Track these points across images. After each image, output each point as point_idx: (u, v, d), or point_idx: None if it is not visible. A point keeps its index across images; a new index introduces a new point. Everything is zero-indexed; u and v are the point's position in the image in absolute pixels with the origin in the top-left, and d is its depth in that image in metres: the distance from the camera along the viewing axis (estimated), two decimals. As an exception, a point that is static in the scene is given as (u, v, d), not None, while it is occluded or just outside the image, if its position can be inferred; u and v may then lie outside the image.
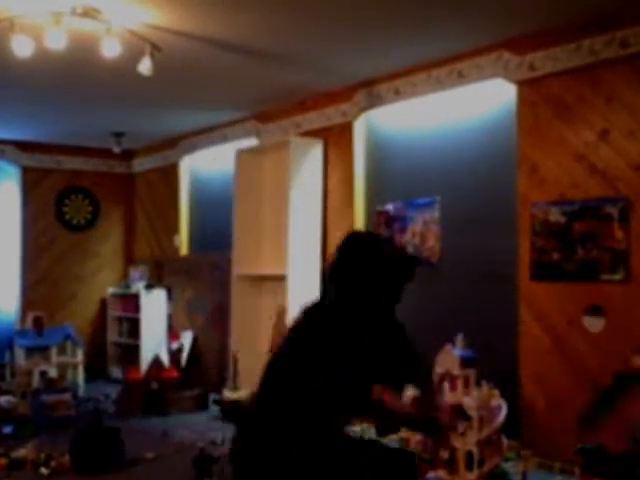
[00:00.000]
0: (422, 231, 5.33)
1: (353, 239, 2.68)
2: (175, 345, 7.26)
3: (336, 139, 6.01)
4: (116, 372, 7.99)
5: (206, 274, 7.39)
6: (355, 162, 5.79)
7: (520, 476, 4.04)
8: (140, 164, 8.75)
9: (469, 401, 4.10)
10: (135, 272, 8.25)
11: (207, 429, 5.64)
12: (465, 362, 4.22)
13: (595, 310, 4.17)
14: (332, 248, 5.98)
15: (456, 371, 4.20)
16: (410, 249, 5.41)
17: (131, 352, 7.76)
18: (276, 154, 6.32)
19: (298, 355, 2.52)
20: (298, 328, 2.62)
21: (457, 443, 4.11)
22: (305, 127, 6.23)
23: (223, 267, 6.87)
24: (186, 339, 7.38)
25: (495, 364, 4.50)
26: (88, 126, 7.35)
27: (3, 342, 7.03)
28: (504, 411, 4.15)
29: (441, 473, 4.21)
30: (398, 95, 5.41)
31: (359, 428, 4.48)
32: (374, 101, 5.59)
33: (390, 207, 5.57)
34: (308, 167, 6.01)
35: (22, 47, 4.17)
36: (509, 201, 4.65)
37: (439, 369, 4.29)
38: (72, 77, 5.49)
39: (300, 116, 6.28)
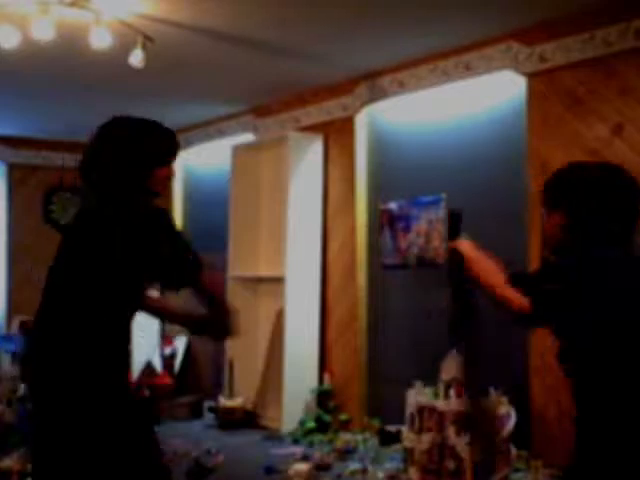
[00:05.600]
0: (427, 230, 5.30)
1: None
2: (168, 350, 7.25)
3: (337, 134, 6.00)
4: (106, 379, 7.97)
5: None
6: (357, 158, 5.79)
7: (530, 488, 4.05)
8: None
9: (476, 409, 4.09)
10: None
11: (202, 438, 5.64)
12: (472, 368, 4.22)
13: (609, 313, 4.16)
14: (332, 248, 6.00)
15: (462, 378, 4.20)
16: (414, 250, 5.40)
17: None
18: (274, 150, 6.31)
19: None
20: None
21: (464, 453, 4.11)
22: (304, 122, 6.23)
23: (218, 268, 6.86)
24: (180, 344, 7.37)
25: (504, 370, 4.50)
26: (77, 120, 7.33)
27: (-12, 347, 7.03)
28: (513, 420, 4.15)
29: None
30: (402, 88, 5.41)
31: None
32: (377, 94, 5.59)
33: (393, 205, 5.53)
34: (307, 164, 6.00)
35: (7, 38, 4.17)
36: (519, 199, 4.64)
37: (445, 375, 4.29)
38: (60, 69, 5.48)
39: (299, 110, 6.27)
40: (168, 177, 2.74)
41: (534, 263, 4.52)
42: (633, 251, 2.17)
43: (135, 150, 2.60)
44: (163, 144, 2.67)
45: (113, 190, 2.56)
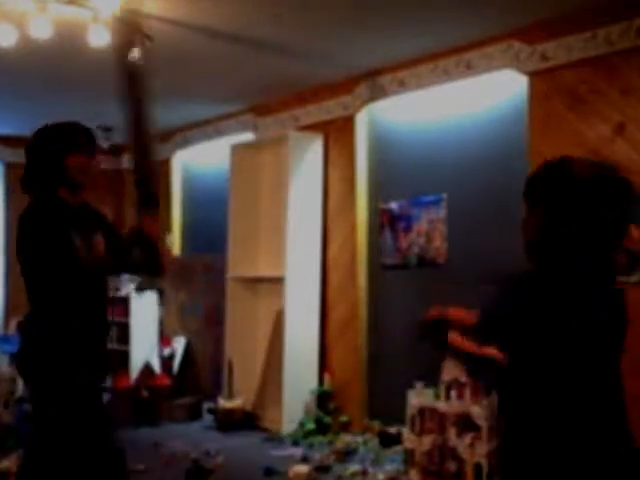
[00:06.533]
0: (428, 230, 5.32)
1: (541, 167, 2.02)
2: (167, 351, 7.25)
3: (337, 134, 5.99)
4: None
5: (200, 276, 7.38)
6: (357, 158, 5.78)
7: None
8: (130, 160, 8.72)
9: (478, 410, 4.10)
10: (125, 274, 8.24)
11: (201, 439, 5.64)
12: (473, 369, 4.22)
13: (611, 314, 4.16)
14: (332, 248, 6.00)
15: (464, 379, 4.20)
16: (415, 250, 5.40)
17: (120, 358, 7.74)
18: (274, 149, 6.31)
19: None
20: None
21: (465, 454, 4.11)
22: (304, 121, 6.22)
23: (218, 268, 6.86)
24: (178, 345, 7.37)
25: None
26: (75, 119, 7.33)
27: (-15, 348, 7.02)
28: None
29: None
30: (403, 87, 5.40)
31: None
32: (377, 93, 5.58)
33: (394, 205, 5.56)
34: (307, 163, 5.99)
35: (5, 36, 4.18)
36: (520, 199, 4.63)
37: (446, 376, 4.29)
38: (58, 67, 5.48)
39: (299, 109, 6.27)
40: (83, 167, 2.99)
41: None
42: (608, 269, 1.92)
43: (40, 144, 3.08)
44: (66, 134, 3.08)
45: (32, 189, 3.05)
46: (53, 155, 2.96)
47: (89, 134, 3.07)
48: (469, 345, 2.00)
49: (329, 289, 6.01)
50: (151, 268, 3.09)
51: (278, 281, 5.97)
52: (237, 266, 6.41)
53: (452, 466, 4.20)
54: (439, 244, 5.24)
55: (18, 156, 8.91)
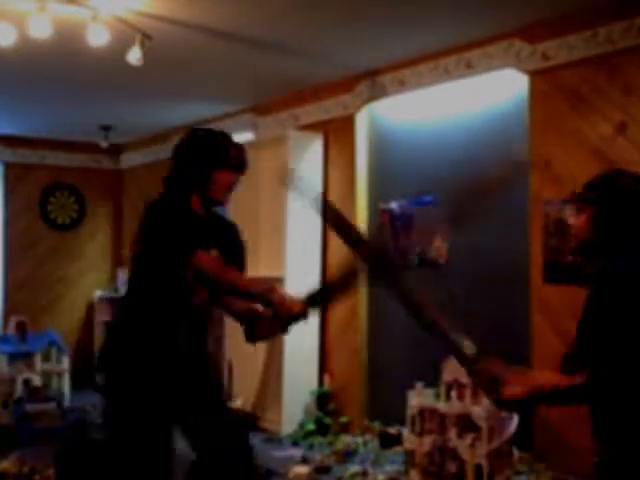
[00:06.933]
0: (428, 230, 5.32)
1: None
2: (166, 351, 7.24)
3: (337, 133, 5.99)
4: (104, 380, 7.96)
5: (199, 276, 7.38)
6: (357, 158, 5.79)
7: (532, 490, 4.04)
8: (129, 159, 8.74)
9: (478, 411, 4.10)
10: (124, 274, 8.24)
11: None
12: (474, 369, 4.21)
13: (612, 314, 4.15)
14: (332, 248, 5.99)
15: (464, 379, 4.20)
16: (415, 250, 5.40)
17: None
18: (273, 149, 6.30)
19: None
20: None
21: (465, 455, 4.11)
22: (304, 120, 6.22)
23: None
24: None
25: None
26: (74, 119, 7.34)
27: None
28: (515, 421, 4.15)
29: (449, 487, 4.20)
30: (403, 86, 5.40)
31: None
32: (377, 92, 5.58)
33: (394, 205, 5.57)
34: (307, 163, 6.00)
35: (4, 36, 4.18)
36: (521, 199, 4.64)
37: (446, 377, 4.29)
38: (57, 67, 5.48)
39: (299, 108, 6.27)
40: (229, 185, 2.93)
41: (536, 265, 4.52)
42: None
43: (193, 150, 2.90)
44: (221, 147, 2.87)
45: (169, 186, 2.93)
46: (203, 165, 2.84)
47: (242, 150, 2.93)
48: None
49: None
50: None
51: (278, 281, 5.96)
52: (237, 266, 6.40)
53: (452, 467, 4.20)
54: (439, 244, 5.24)
55: (18, 156, 9.00)
